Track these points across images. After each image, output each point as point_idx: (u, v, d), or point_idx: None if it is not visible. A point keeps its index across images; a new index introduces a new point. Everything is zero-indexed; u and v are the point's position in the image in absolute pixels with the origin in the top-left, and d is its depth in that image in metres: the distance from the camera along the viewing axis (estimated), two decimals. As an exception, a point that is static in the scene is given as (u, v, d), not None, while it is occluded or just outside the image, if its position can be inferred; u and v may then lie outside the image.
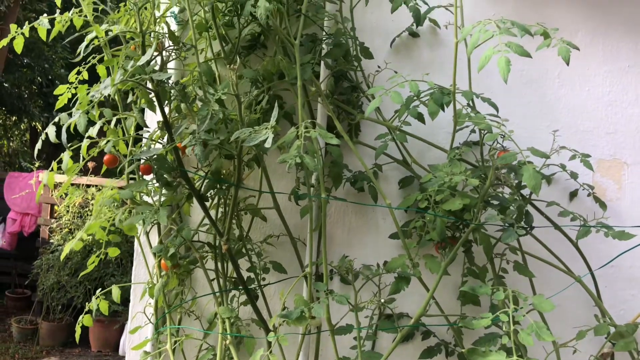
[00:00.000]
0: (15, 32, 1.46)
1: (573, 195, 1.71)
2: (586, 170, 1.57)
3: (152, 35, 1.41)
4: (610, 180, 1.73)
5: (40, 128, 11.79)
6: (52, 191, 6.05)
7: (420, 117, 1.53)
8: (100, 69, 1.57)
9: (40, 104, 11.82)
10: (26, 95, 11.65)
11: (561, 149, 1.57)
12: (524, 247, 1.59)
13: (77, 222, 5.39)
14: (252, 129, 1.24)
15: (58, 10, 1.46)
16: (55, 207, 6.01)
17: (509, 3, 1.75)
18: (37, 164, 6.78)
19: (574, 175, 1.63)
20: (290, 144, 1.27)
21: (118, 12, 1.53)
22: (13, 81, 11.45)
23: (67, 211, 5.58)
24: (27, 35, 1.46)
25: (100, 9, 1.50)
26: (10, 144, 11.78)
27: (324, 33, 1.62)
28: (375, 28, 1.77)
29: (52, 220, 5.75)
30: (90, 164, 5.02)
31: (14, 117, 11.70)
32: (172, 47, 1.40)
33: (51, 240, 5.53)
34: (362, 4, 1.72)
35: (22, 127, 12.17)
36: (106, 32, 1.36)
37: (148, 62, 1.23)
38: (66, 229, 5.38)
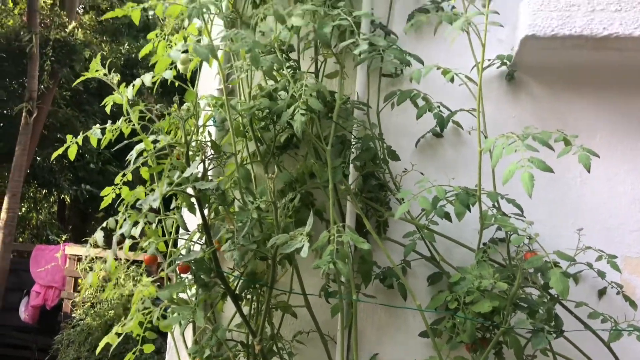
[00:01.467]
0: (70, 141, 1.59)
1: (602, 293, 1.72)
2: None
3: (195, 144, 1.53)
4: (639, 278, 1.73)
5: (68, 200, 12.12)
6: (76, 264, 6.15)
7: (447, 217, 1.59)
8: (144, 172, 1.67)
9: (70, 177, 12.19)
10: (57, 169, 12.05)
11: (587, 249, 1.60)
12: (555, 348, 1.58)
13: (98, 296, 5.42)
14: (288, 235, 1.31)
15: (109, 122, 1.59)
16: (79, 281, 6.09)
17: (528, 105, 1.84)
18: (64, 237, 6.92)
19: (601, 274, 1.64)
20: (322, 248, 1.33)
21: (163, 119, 1.66)
22: (45, 155, 11.91)
23: (90, 285, 5.64)
24: (80, 144, 1.59)
25: (147, 117, 1.63)
26: (39, 216, 12.07)
27: (353, 136, 1.72)
28: (400, 129, 1.87)
29: (75, 294, 5.81)
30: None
31: (44, 190, 12.07)
32: (213, 156, 1.50)
33: (73, 315, 5.55)
34: (388, 108, 1.83)
35: (51, 200, 12.50)
36: (153, 142, 1.47)
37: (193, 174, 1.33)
38: (88, 303, 5.41)
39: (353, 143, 1.69)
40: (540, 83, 1.83)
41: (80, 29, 12.27)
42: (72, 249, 6.06)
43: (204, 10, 1.44)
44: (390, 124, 1.87)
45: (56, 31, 11.22)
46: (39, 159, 12.51)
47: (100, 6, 14.40)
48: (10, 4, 11.62)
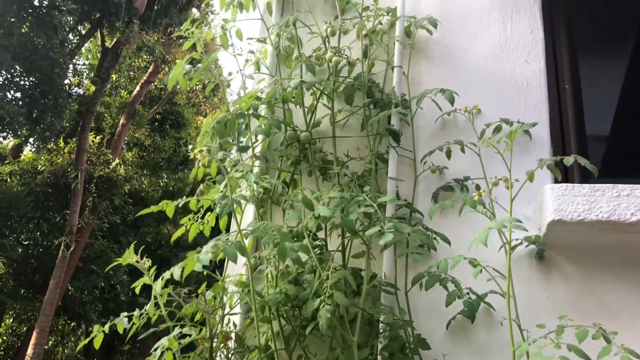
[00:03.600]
0: (97, 331, 1.60)
1: None
2: None
3: (218, 329, 1.51)
4: None
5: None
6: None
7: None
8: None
9: (100, 309, 12.17)
10: (87, 300, 12.08)
11: None
12: None
13: None
14: None
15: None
16: None
17: (561, 285, 1.79)
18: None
19: None
20: None
21: (190, 304, 1.66)
22: (78, 286, 12.02)
23: None
24: (107, 331, 1.60)
25: (174, 303, 1.64)
26: (65, 350, 11.91)
27: (381, 322, 1.68)
28: (430, 309, 1.82)
29: None
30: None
31: (72, 323, 12.02)
32: (237, 349, 1.48)
33: None
34: (417, 287, 1.81)
35: (78, 333, 12.40)
36: (180, 337, 1.47)
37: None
38: None
39: (381, 331, 1.64)
40: (572, 262, 1.79)
41: (122, 165, 13.02)
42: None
43: (235, 205, 1.50)
44: (419, 304, 1.83)
45: (100, 168, 11.94)
46: (71, 289, 12.64)
47: (144, 143, 15.41)
48: (62, 143, 12.53)
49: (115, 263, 1.69)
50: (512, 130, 1.65)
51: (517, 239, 1.78)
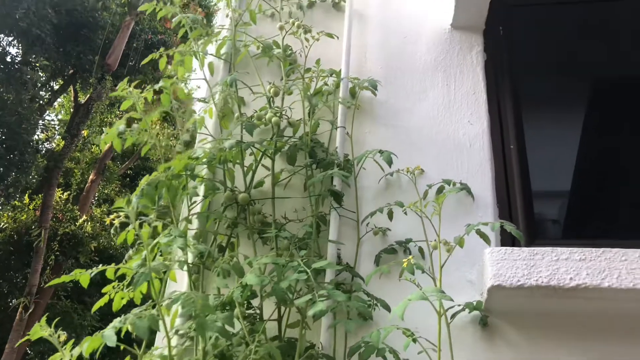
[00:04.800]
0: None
1: None
2: None
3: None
4: None
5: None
6: None
7: None
8: None
9: (59, 374, 11.49)
10: (46, 365, 11.44)
11: None
12: None
13: None
14: None
15: None
16: None
17: (506, 352, 1.71)
18: None
19: None
20: None
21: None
22: (38, 350, 11.41)
23: None
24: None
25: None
26: (18, 420, 11.13)
27: (316, 397, 1.57)
28: (371, 382, 1.71)
29: None
30: None
31: (28, 390, 11.32)
32: None
33: None
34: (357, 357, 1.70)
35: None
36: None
37: None
38: None
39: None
40: (515, 329, 1.72)
41: (90, 222, 12.70)
42: None
43: (154, 274, 1.41)
44: (360, 375, 1.72)
45: (66, 225, 11.61)
46: (31, 353, 11.97)
47: (114, 199, 15.13)
48: (27, 200, 12.22)
49: (24, 339, 1.56)
50: (446, 192, 1.61)
51: (459, 305, 1.71)
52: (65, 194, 12.79)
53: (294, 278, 1.54)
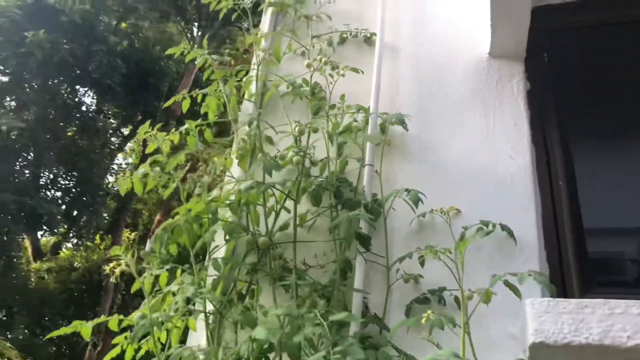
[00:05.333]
0: None
1: None
2: None
3: None
4: None
5: None
6: None
7: None
8: None
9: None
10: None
11: None
12: None
13: None
14: None
15: None
16: None
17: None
18: None
19: None
20: None
21: None
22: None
23: None
24: None
25: None
26: None
27: None
28: None
29: None
30: None
31: None
32: None
33: None
34: (382, 421, 1.53)
35: None
36: None
37: None
38: None
39: None
40: (568, 394, 1.49)
41: (156, 261, 13.02)
42: None
43: (169, 324, 1.33)
44: None
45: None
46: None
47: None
48: (98, 240, 12.79)
49: None
50: (472, 236, 1.43)
51: (499, 363, 1.51)
52: (133, 234, 13.30)
53: (309, 331, 1.41)
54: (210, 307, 1.73)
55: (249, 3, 2.29)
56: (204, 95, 2.09)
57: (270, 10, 2.56)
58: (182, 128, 2.03)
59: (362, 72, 2.12)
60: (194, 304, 1.66)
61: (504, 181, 1.92)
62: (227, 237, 1.88)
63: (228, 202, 1.86)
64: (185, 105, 2.11)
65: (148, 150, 2.02)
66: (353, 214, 1.71)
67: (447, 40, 2.29)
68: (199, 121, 2.06)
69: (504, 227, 1.79)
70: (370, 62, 2.29)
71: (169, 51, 2.17)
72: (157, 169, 1.89)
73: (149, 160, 1.98)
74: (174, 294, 1.59)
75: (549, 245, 1.85)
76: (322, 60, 2.13)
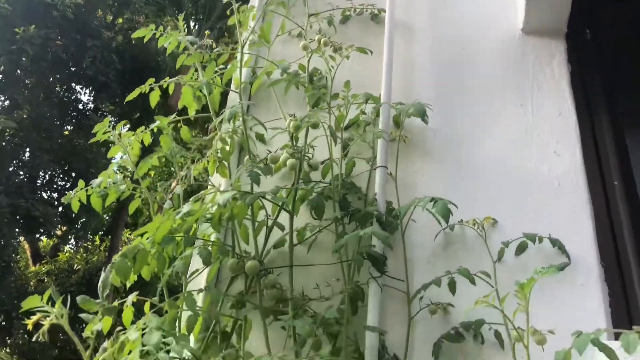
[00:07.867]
0: None
1: None
2: None
3: None
4: None
5: None
6: None
7: None
8: None
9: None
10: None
11: None
12: None
13: None
14: None
15: None
16: None
17: None
18: None
19: None
20: None
21: None
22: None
23: None
24: None
25: None
26: None
27: None
28: None
29: None
30: None
31: None
32: None
33: None
34: None
35: None
36: None
37: None
38: None
39: None
40: None
41: (157, 262, 12.74)
42: None
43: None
44: None
45: (133, 265, 11.70)
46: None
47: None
48: (97, 241, 12.49)
49: None
50: (560, 268, 1.06)
51: None
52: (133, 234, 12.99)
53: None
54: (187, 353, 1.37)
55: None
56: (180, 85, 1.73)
57: (260, -15, 2.18)
58: (154, 125, 1.67)
59: (371, 53, 1.74)
60: (167, 352, 1.30)
61: (549, 183, 1.56)
62: (205, 261, 1.51)
63: (208, 215, 1.50)
64: (154, 98, 1.74)
65: (110, 155, 1.67)
66: (361, 232, 1.35)
67: (472, 16, 1.92)
68: (172, 117, 1.70)
69: (554, 242, 1.43)
70: (379, 44, 1.91)
71: (136, 34, 1.81)
72: (119, 176, 1.53)
73: (110, 167, 1.63)
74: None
75: (606, 261, 1.48)
76: (322, 41, 1.76)
